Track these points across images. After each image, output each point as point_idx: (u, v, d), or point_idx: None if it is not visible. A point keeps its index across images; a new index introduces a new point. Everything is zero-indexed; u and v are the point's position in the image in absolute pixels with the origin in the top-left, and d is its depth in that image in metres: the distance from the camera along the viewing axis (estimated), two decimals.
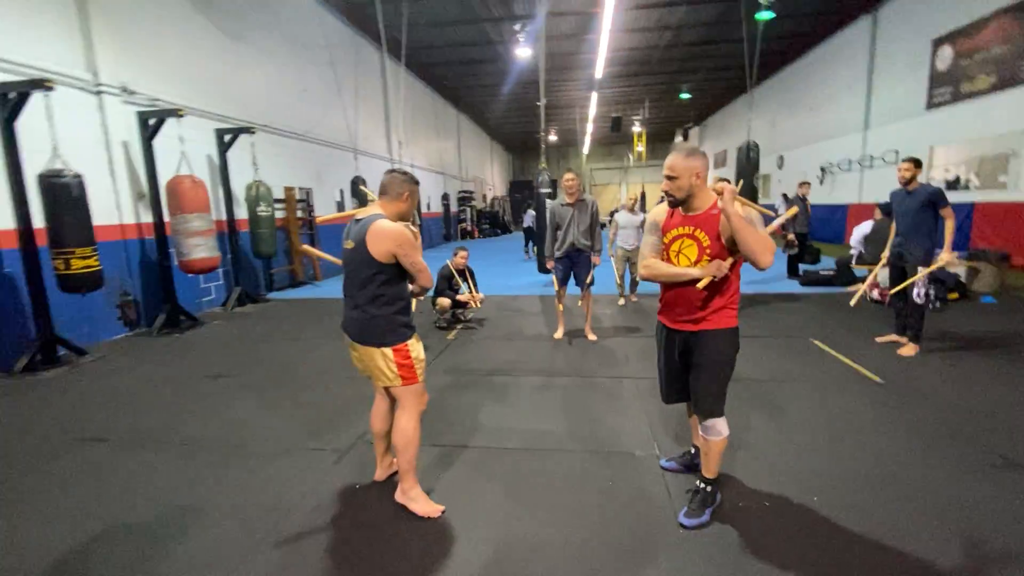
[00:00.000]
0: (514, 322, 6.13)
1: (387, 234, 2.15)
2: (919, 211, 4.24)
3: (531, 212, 12.11)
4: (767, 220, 2.20)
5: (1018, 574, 1.86)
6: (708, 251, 2.06)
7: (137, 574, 2.01)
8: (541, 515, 2.31)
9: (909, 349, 4.44)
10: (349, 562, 2.04)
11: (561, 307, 5.37)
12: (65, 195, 4.62)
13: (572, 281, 5.17)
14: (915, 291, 4.33)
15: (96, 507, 2.48)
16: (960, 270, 6.76)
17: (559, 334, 5.35)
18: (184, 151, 6.11)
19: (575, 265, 5.07)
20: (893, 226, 4.53)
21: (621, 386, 3.90)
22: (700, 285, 2.02)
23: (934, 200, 4.18)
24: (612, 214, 18.96)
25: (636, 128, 25.82)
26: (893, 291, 4.51)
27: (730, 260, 2.04)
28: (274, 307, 7.70)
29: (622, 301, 7.01)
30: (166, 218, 6.21)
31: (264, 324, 6.52)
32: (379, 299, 2.23)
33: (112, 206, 5.97)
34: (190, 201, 6.00)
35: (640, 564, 1.98)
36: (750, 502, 2.34)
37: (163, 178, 6.14)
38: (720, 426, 2.16)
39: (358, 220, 2.26)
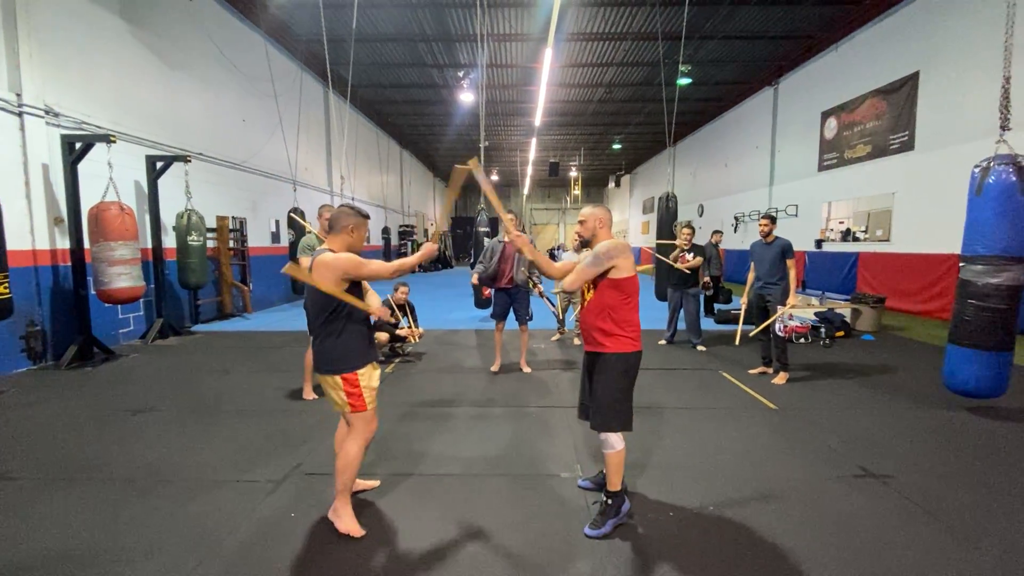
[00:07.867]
0: (452, 355, 6.29)
1: (329, 264, 2.28)
2: (777, 259, 4.95)
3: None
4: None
5: (862, 556, 2.24)
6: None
7: None
8: (475, 532, 2.47)
9: (780, 378, 5.02)
10: None
11: (499, 341, 5.60)
12: None
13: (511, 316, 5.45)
14: (777, 327, 4.98)
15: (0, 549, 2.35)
16: (846, 311, 7.73)
17: (496, 367, 5.56)
18: (112, 177, 5.91)
19: (514, 301, 5.37)
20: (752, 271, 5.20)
21: (551, 415, 4.16)
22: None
23: (784, 251, 4.92)
24: (552, 252, 19.60)
25: (573, 173, 27.30)
26: (756, 331, 5.08)
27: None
28: (200, 340, 7.38)
29: (556, 336, 7.36)
30: (86, 245, 5.92)
31: (190, 357, 6.25)
32: (330, 329, 2.36)
33: (25, 231, 5.64)
34: (115, 229, 5.77)
35: (559, 569, 2.20)
36: (658, 513, 2.64)
37: (85, 203, 5.89)
38: (612, 440, 2.48)
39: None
